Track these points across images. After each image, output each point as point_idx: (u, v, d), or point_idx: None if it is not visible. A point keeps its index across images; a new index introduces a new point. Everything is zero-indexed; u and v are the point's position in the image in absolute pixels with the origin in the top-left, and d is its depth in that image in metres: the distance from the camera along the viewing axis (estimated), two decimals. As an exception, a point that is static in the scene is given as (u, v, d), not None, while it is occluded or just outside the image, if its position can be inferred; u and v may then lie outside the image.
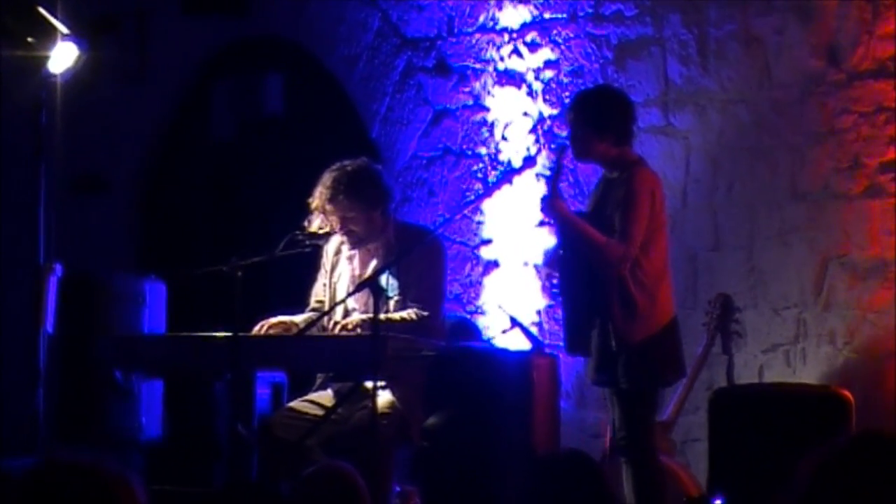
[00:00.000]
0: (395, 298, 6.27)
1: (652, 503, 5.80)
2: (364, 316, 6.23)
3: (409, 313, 6.24)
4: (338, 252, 6.51)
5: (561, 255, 6.02)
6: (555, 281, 6.17)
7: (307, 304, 6.55)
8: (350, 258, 6.47)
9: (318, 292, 6.56)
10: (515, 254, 7.68)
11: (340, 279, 6.48)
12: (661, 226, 5.96)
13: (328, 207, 6.28)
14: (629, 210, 5.82)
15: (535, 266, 7.44)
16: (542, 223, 7.53)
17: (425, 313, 6.23)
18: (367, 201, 6.31)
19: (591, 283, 5.86)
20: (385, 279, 6.12)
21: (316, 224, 6.34)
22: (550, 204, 5.91)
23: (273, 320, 6.35)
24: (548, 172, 7.58)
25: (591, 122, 5.92)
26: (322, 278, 6.56)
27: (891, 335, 6.52)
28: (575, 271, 5.95)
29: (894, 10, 6.61)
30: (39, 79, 7.42)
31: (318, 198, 6.30)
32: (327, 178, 6.31)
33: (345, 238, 6.37)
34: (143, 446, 7.26)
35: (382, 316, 5.89)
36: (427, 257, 6.30)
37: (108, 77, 8.72)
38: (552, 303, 7.29)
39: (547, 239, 7.23)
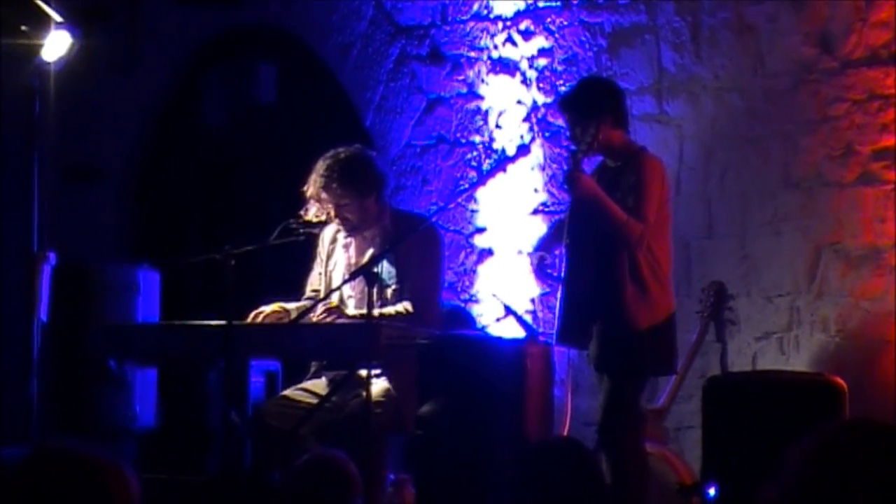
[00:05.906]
0: (393, 287, 6.25)
1: (630, 495, 5.76)
2: (356, 312, 6.21)
3: (406, 306, 6.21)
4: (333, 241, 6.50)
5: (567, 236, 5.94)
6: (547, 261, 6.10)
7: (302, 293, 6.54)
8: (346, 246, 6.46)
9: (314, 281, 6.54)
10: (509, 242, 7.67)
11: (336, 267, 6.47)
12: (668, 217, 5.96)
13: (322, 195, 6.27)
14: (642, 192, 5.80)
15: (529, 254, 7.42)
16: (536, 211, 7.53)
17: (421, 307, 6.20)
18: (360, 188, 6.29)
19: (601, 265, 5.83)
20: (382, 267, 6.11)
21: (313, 212, 6.33)
22: (573, 177, 5.79)
23: (267, 309, 6.34)
24: (542, 161, 7.59)
25: (597, 109, 5.87)
26: (318, 267, 6.55)
27: (883, 322, 6.53)
28: (584, 253, 5.90)
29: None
30: (33, 67, 7.42)
31: (312, 185, 6.29)
32: (320, 166, 6.30)
33: (340, 226, 6.37)
34: (136, 435, 7.25)
35: (376, 311, 5.84)
36: (425, 248, 6.27)
37: (101, 65, 8.70)
38: (547, 290, 7.21)
39: (540, 227, 7.22)
